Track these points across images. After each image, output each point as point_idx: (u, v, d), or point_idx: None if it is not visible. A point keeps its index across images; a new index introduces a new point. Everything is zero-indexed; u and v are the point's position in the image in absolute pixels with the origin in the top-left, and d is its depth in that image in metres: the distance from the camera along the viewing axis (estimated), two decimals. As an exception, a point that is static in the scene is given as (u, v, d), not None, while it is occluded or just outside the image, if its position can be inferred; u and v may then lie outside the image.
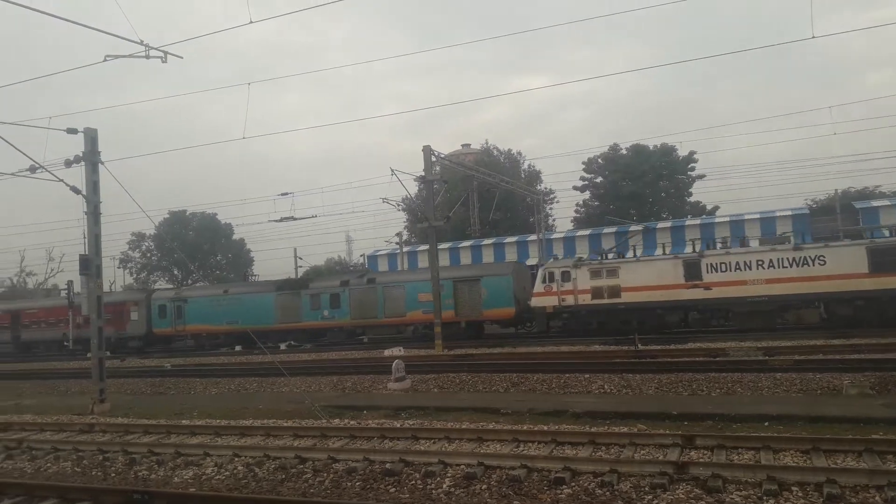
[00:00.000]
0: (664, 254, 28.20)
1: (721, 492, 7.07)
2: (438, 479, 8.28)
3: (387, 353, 23.65)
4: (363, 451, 9.69)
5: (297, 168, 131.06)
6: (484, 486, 7.90)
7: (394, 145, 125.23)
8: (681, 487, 7.31)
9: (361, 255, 58.64)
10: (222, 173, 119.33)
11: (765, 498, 6.82)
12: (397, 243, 48.23)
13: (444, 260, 44.83)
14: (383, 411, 13.70)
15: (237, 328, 32.98)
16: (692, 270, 25.30)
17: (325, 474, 8.92)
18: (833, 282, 23.46)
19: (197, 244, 65.44)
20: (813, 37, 18.50)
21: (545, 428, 10.63)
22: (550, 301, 27.21)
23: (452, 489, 7.93)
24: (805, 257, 24.08)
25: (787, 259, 24.24)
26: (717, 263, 25.11)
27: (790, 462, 8.07)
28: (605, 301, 26.28)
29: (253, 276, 53.90)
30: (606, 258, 28.19)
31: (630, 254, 29.19)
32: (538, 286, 27.80)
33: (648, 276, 25.88)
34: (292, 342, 33.75)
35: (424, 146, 26.39)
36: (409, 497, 7.80)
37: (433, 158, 27.38)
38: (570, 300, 26.87)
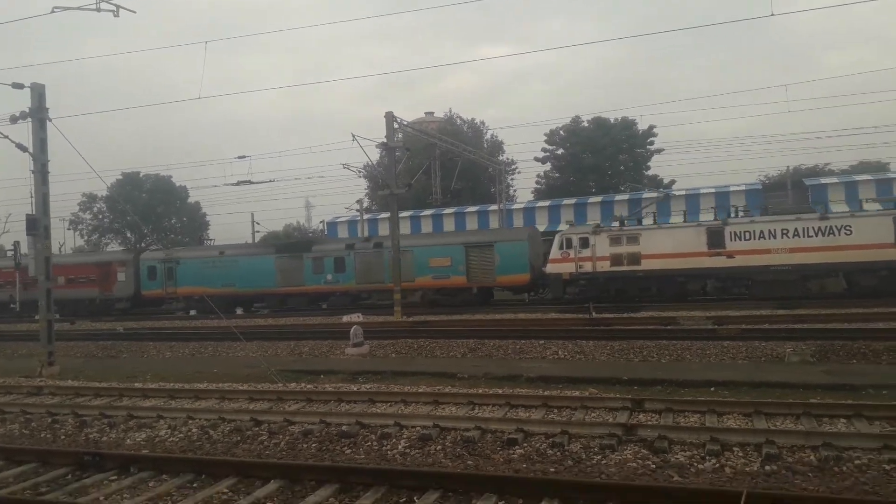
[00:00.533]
0: (683, 222, 27.92)
1: (667, 452, 7.32)
2: (394, 440, 8.39)
3: (345, 318, 23.62)
4: (319, 413, 9.73)
5: (255, 131, 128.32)
6: (439, 447, 8.03)
7: (356, 111, 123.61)
8: (629, 448, 7.54)
9: (321, 222, 58.17)
10: (178, 135, 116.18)
11: (707, 457, 7.09)
12: (358, 210, 47.87)
13: (405, 228, 44.76)
14: (340, 376, 13.74)
15: (234, 291, 32.20)
16: (715, 238, 25.26)
17: (281, 436, 8.94)
18: (858, 252, 23.54)
19: (150, 206, 63.84)
20: (772, 14, 18.77)
21: (500, 392, 10.81)
22: (567, 268, 26.87)
23: (408, 450, 8.05)
24: (831, 227, 24.20)
25: (813, 228, 24.32)
26: (740, 231, 25.11)
27: (733, 424, 8.40)
28: (625, 268, 26.08)
29: (208, 241, 52.89)
30: (624, 225, 27.65)
31: (647, 221, 28.95)
32: (554, 252, 27.36)
33: (670, 244, 25.77)
34: (262, 306, 33.42)
35: (387, 112, 26.09)
36: (365, 458, 7.88)
37: (395, 125, 27.11)
38: (587, 267, 26.55)
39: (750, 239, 24.99)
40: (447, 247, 29.43)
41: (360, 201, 48.68)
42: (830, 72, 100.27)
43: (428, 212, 47.50)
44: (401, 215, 42.22)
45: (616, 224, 27.74)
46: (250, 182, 37.66)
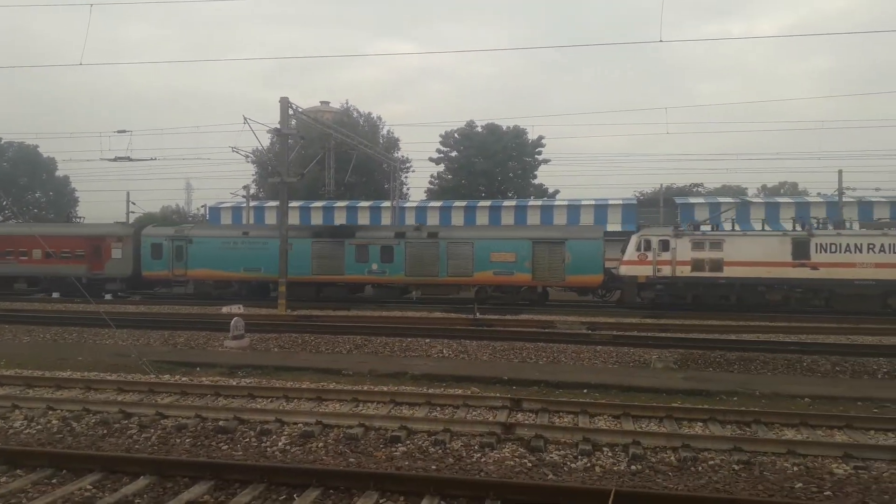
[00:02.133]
0: (763, 230, 27.74)
1: (542, 451, 7.67)
2: (274, 436, 8.21)
3: (224, 310, 22.79)
4: (195, 407, 9.34)
5: (138, 106, 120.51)
6: (321, 444, 7.96)
7: (249, 93, 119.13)
8: (507, 446, 7.83)
9: (202, 206, 55.63)
10: (53, 102, 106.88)
11: (580, 457, 7.51)
12: (244, 196, 46.18)
13: (293, 219, 43.74)
14: (219, 369, 13.26)
15: (259, 276, 29.07)
16: (800, 249, 24.98)
17: (153, 430, 8.52)
18: None
19: (12, 177, 58.39)
20: (661, 40, 20.25)
21: (385, 389, 10.86)
22: (644, 270, 25.75)
23: (288, 447, 7.91)
24: None
25: None
26: (826, 244, 24.88)
27: (603, 426, 8.93)
28: (706, 274, 25.36)
29: (78, 219, 49.18)
30: (698, 230, 26.87)
31: (728, 227, 28.35)
32: (630, 254, 26.23)
33: (753, 252, 25.24)
34: (121, 291, 31.14)
35: (282, 98, 25.35)
36: (243, 454, 7.66)
37: (290, 112, 26.40)
38: (666, 271, 25.60)
39: (836, 251, 24.86)
40: (513, 241, 27.29)
41: (246, 187, 46.99)
42: (703, 99, 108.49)
43: (319, 203, 46.68)
44: (291, 205, 41.26)
45: (689, 228, 26.98)
46: (129, 159, 35.36)
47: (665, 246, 25.73)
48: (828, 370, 13.44)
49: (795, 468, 7.20)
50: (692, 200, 45.04)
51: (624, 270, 26.28)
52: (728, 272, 25.27)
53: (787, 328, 19.41)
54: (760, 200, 45.02)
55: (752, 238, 26.40)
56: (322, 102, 64.70)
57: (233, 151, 32.15)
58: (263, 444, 8.01)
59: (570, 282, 26.87)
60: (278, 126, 25.36)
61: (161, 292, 32.39)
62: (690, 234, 26.09)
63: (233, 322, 16.36)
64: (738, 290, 25.48)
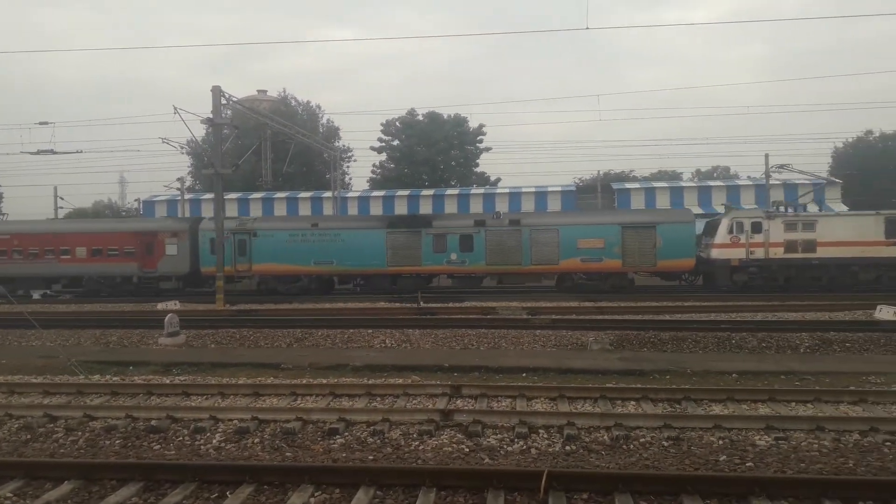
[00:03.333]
0: (850, 210, 27.21)
1: (480, 436, 7.76)
2: (209, 434, 8.04)
3: (160, 306, 22.13)
4: (126, 408, 9.06)
5: (62, 96, 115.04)
6: (256, 440, 7.83)
7: (183, 83, 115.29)
8: (445, 433, 7.88)
9: (136, 199, 53.75)
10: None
11: (516, 440, 7.62)
12: (179, 189, 44.81)
13: (230, 211, 42.71)
14: (152, 367, 12.89)
15: (331, 269, 27.97)
16: (893, 228, 25.16)
17: (80, 433, 8.21)
18: None
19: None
20: (587, 28, 20.51)
21: (324, 381, 10.76)
22: (737, 253, 25.65)
23: (223, 444, 7.76)
24: None
25: None
26: None
27: (540, 408, 9.09)
28: (799, 255, 25.42)
29: (2, 215, 46.73)
30: (787, 211, 27.07)
31: (812, 208, 28.17)
32: (721, 237, 26.00)
33: (846, 232, 25.37)
34: (55, 289, 29.80)
35: (214, 87, 24.64)
36: (176, 454, 7.48)
37: (224, 101, 25.71)
38: (759, 253, 25.57)
39: None
40: (601, 227, 26.81)
41: (181, 179, 45.61)
42: (637, 86, 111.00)
43: (257, 195, 45.73)
44: (227, 197, 40.25)
45: (780, 209, 27.15)
46: (52, 152, 33.79)
47: (757, 228, 25.73)
48: (755, 346, 14.03)
49: (721, 442, 7.50)
50: (628, 186, 46.12)
51: (716, 254, 26.08)
52: (821, 253, 25.37)
53: (718, 307, 20.17)
54: (693, 185, 46.47)
55: (844, 218, 26.66)
56: (259, 91, 63.19)
57: (163, 142, 31.02)
58: (197, 443, 7.84)
59: (661, 267, 26.60)
60: (211, 116, 24.66)
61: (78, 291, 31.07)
62: (783, 216, 26.18)
63: (167, 318, 15.91)
64: (831, 271, 25.59)
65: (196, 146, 45.86)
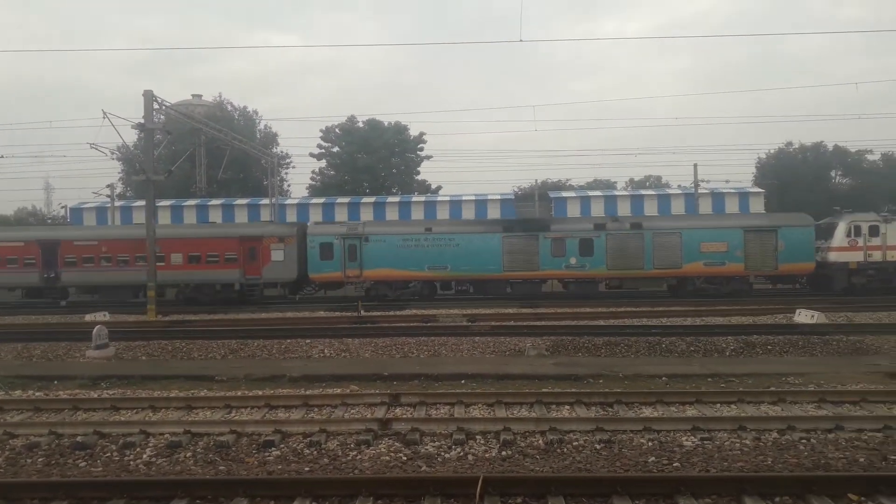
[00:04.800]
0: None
1: (418, 444, 7.79)
2: (138, 449, 7.80)
3: (88, 318, 21.29)
4: (49, 424, 8.69)
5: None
6: (189, 454, 7.65)
7: (111, 86, 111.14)
8: (384, 442, 7.88)
9: (63, 206, 51.48)
10: None
11: (454, 446, 7.70)
12: (108, 196, 43.20)
13: (164, 218, 41.53)
14: (79, 381, 12.37)
15: (446, 275, 27.20)
16: None
17: (-2, 452, 7.84)
18: None
19: None
20: (521, 40, 20.98)
21: (260, 393, 10.60)
22: (855, 257, 26.03)
23: (154, 459, 7.54)
24: None
25: None
26: None
27: (477, 414, 9.20)
28: None
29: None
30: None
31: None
32: (839, 240, 26.35)
33: None
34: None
35: (145, 91, 23.94)
36: (104, 470, 7.22)
37: (156, 106, 25.00)
38: (876, 256, 25.98)
39: None
40: (724, 230, 26.82)
41: (111, 186, 44.00)
42: (573, 97, 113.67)
43: (192, 202, 44.52)
44: (160, 204, 39.09)
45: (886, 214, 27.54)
46: (-32, 156, 32.08)
47: (875, 231, 26.27)
48: (683, 350, 14.58)
49: (650, 443, 7.77)
50: (565, 195, 47.14)
51: (833, 257, 26.44)
52: None
53: (650, 312, 20.83)
54: (626, 194, 47.90)
55: None
56: (194, 95, 61.55)
57: (91, 148, 29.85)
58: (126, 458, 7.59)
59: (782, 270, 26.79)
60: (142, 121, 23.94)
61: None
62: None
63: (95, 330, 15.31)
64: None
65: (127, 152, 44.38)
